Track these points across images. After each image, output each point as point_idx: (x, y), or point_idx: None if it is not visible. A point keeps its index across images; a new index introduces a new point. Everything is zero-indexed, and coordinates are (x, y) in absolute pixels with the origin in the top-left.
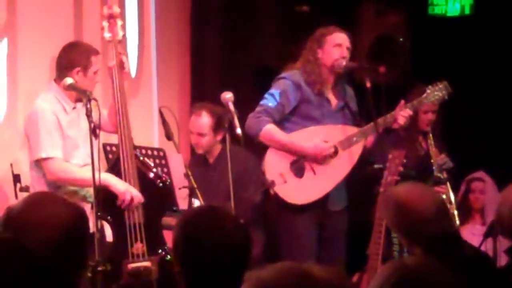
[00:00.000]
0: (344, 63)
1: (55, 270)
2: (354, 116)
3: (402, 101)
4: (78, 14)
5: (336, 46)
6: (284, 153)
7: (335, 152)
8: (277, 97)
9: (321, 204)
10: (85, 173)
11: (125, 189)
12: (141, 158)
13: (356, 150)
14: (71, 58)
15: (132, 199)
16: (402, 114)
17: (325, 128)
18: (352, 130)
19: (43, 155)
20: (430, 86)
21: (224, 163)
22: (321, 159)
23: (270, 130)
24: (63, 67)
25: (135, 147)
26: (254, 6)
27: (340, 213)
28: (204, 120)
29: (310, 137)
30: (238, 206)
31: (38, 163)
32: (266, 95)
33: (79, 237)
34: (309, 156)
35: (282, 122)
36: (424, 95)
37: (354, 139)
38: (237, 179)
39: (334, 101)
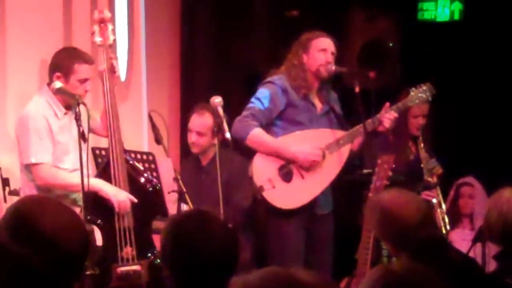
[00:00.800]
0: (333, 67)
1: (48, 276)
2: (339, 119)
3: (387, 104)
4: (67, 18)
5: (321, 51)
6: (272, 158)
7: (323, 156)
8: (264, 101)
9: (308, 208)
10: (74, 179)
11: (115, 192)
12: (131, 162)
13: (343, 153)
14: (54, 62)
15: (124, 201)
16: (387, 117)
17: (311, 132)
18: (338, 133)
19: (33, 160)
20: (413, 88)
21: (216, 167)
22: (309, 165)
23: (257, 134)
24: (50, 70)
25: (125, 151)
26: (244, 11)
27: (327, 216)
28: (206, 120)
29: (298, 141)
30: (227, 210)
31: (28, 168)
32: (253, 99)
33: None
34: (297, 161)
35: (268, 126)
36: (408, 97)
37: (341, 142)
38: (228, 183)
39: (319, 105)
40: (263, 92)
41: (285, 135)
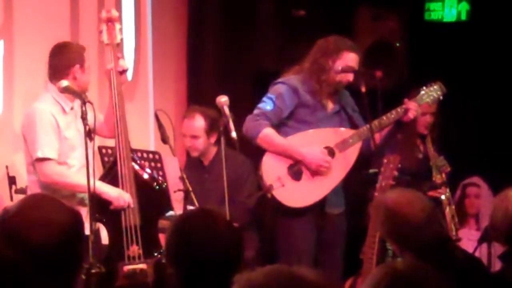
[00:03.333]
0: (340, 67)
1: (41, 277)
2: (351, 118)
3: (406, 100)
4: (74, 16)
5: (348, 67)
6: (281, 157)
7: (332, 155)
8: (275, 101)
9: (319, 207)
10: (78, 178)
11: (118, 194)
12: (138, 161)
13: (353, 152)
14: (69, 57)
15: (125, 204)
16: (411, 107)
17: (322, 131)
18: (348, 132)
19: (39, 154)
20: (424, 87)
21: (219, 166)
22: (316, 169)
23: (268, 134)
24: (60, 68)
25: (131, 150)
26: (251, 10)
27: (339, 216)
28: (197, 122)
29: (307, 141)
30: (232, 209)
31: (34, 164)
32: (264, 99)
33: (74, 240)
34: (306, 163)
35: (278, 126)
36: (419, 96)
37: (351, 141)
38: (232, 182)
39: (330, 105)
40: (274, 92)
41: (295, 134)
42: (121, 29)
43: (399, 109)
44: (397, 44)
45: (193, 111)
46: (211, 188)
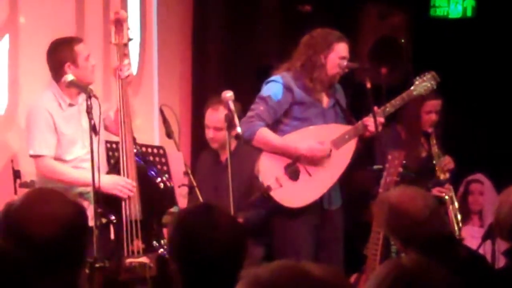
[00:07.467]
0: (345, 63)
1: (41, 272)
2: (344, 112)
3: (375, 108)
4: (80, 10)
5: (341, 58)
6: (278, 157)
7: (329, 152)
8: (268, 101)
9: (318, 205)
10: (73, 174)
11: (112, 183)
12: (145, 158)
13: (349, 148)
14: (58, 56)
15: (125, 185)
16: (371, 120)
17: (317, 128)
18: (344, 128)
19: (31, 152)
20: (417, 77)
21: (236, 162)
22: (316, 161)
23: (263, 134)
24: (55, 68)
25: (135, 144)
26: (256, 5)
27: (336, 212)
28: (221, 114)
29: (304, 138)
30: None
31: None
32: (257, 99)
33: (78, 234)
34: (304, 157)
35: (276, 125)
36: (412, 87)
37: (347, 137)
38: (249, 179)
39: (325, 99)
40: (267, 91)
41: (291, 132)
42: (129, 29)
43: (359, 125)
44: (402, 41)
45: (218, 102)
46: (227, 184)
